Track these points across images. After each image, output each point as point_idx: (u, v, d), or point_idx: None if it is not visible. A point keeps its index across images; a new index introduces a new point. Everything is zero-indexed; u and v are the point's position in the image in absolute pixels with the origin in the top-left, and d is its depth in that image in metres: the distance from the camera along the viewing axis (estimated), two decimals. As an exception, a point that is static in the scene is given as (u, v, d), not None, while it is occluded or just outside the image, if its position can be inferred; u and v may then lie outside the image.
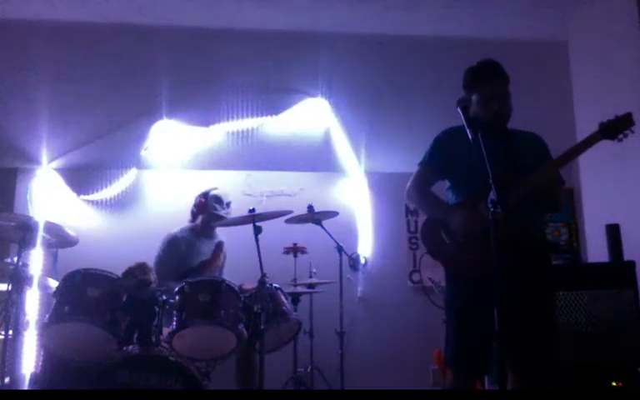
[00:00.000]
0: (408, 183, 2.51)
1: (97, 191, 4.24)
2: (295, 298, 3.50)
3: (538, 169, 2.20)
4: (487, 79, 2.33)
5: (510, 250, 1.99)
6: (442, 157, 2.43)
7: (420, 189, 2.47)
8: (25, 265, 2.90)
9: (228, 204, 3.65)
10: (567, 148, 2.21)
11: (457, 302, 2.35)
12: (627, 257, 3.23)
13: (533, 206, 2.23)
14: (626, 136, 2.20)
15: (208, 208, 3.58)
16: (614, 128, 2.19)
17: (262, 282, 2.77)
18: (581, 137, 2.23)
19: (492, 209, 1.90)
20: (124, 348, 2.62)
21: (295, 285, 3.54)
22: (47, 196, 4.17)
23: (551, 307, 2.29)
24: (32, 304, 3.67)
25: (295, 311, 3.39)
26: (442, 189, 2.51)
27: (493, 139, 2.19)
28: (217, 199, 3.61)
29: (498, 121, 2.30)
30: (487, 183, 2.04)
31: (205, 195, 3.64)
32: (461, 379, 2.29)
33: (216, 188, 3.68)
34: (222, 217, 3.52)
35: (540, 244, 2.34)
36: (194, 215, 3.66)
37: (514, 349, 2.04)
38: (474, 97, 2.34)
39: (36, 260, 3.63)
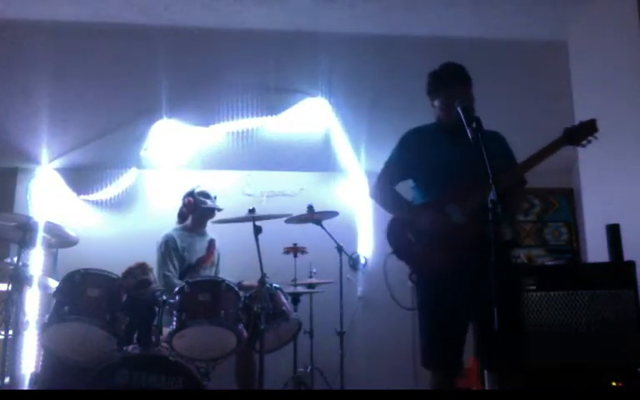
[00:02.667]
0: (373, 182, 2.51)
1: (97, 191, 4.25)
2: (295, 298, 3.50)
3: (506, 172, 2.19)
4: (448, 85, 2.33)
5: (476, 251, 2.00)
6: (408, 157, 2.43)
7: (384, 188, 2.47)
8: (25, 265, 2.90)
9: (215, 197, 3.68)
10: (532, 154, 2.23)
11: (427, 303, 2.35)
12: (627, 257, 3.23)
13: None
14: (589, 142, 2.23)
15: (198, 204, 3.61)
16: (578, 134, 2.23)
17: (262, 282, 2.77)
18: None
19: (492, 209, 1.90)
20: (124, 348, 2.62)
21: (295, 285, 3.55)
22: (47, 196, 4.17)
23: (516, 307, 2.30)
24: (32, 304, 3.66)
25: (295, 311, 3.40)
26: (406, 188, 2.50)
27: (459, 140, 2.20)
28: (204, 194, 3.66)
29: (460, 125, 2.30)
30: (454, 184, 2.05)
31: (191, 194, 3.67)
32: (438, 379, 2.29)
33: (199, 186, 3.71)
34: (213, 209, 3.55)
35: (502, 244, 2.32)
36: (184, 216, 3.69)
37: (484, 349, 2.07)
38: (436, 103, 2.35)
39: (36, 260, 3.63)
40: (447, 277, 2.22)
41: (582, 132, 2.23)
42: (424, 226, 2.28)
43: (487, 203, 2.07)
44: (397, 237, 2.39)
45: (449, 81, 2.33)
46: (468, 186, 2.19)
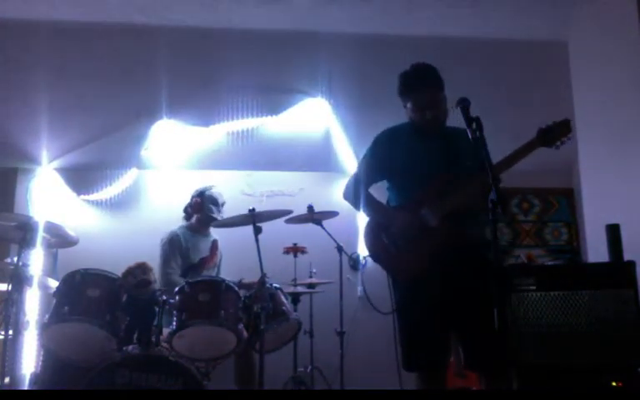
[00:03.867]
0: (346, 182, 2.49)
1: (97, 191, 4.24)
2: (295, 298, 3.50)
3: (476, 174, 2.14)
4: (418, 89, 2.30)
5: (450, 252, 2.00)
6: (382, 158, 2.40)
7: (357, 189, 2.44)
8: (25, 265, 2.90)
9: (223, 204, 3.67)
10: (507, 154, 2.20)
11: (403, 305, 2.33)
12: (627, 257, 3.23)
13: (473, 207, 2.20)
14: (563, 143, 2.18)
15: (204, 209, 3.60)
16: (552, 135, 2.19)
17: (262, 282, 2.77)
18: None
19: (492, 209, 1.90)
20: (124, 348, 2.62)
21: (295, 285, 3.55)
22: (47, 196, 4.17)
23: (490, 309, 2.29)
24: (32, 304, 3.67)
25: (295, 311, 3.40)
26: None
27: (432, 141, 2.19)
28: (213, 200, 3.63)
29: (432, 127, 2.28)
30: (429, 186, 2.04)
31: (201, 195, 3.65)
32: (422, 379, 2.28)
33: (212, 187, 3.69)
34: (215, 220, 3.54)
35: (479, 244, 2.30)
36: (189, 214, 3.68)
37: (468, 349, 2.07)
38: (408, 105, 2.34)
39: (36, 260, 3.63)
40: (421, 278, 2.21)
41: (556, 133, 2.20)
42: (398, 228, 2.26)
43: (464, 205, 2.06)
44: (372, 239, 2.37)
45: (418, 86, 2.31)
46: (441, 187, 2.18)
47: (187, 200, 3.75)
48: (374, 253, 2.37)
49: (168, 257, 3.42)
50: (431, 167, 2.17)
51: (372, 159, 2.43)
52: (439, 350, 2.27)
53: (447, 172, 2.19)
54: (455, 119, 2.20)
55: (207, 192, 3.66)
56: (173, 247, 3.46)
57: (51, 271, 3.76)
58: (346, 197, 2.53)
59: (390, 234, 2.30)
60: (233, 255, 3.75)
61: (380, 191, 2.52)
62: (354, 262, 4.22)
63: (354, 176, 2.48)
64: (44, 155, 4.25)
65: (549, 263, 4.17)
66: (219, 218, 3.55)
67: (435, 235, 2.20)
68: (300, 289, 3.53)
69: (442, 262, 2.14)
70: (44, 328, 2.62)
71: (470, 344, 2.21)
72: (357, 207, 2.50)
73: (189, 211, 3.68)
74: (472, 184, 2.13)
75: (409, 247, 2.24)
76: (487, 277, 2.19)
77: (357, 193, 2.44)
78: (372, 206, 2.42)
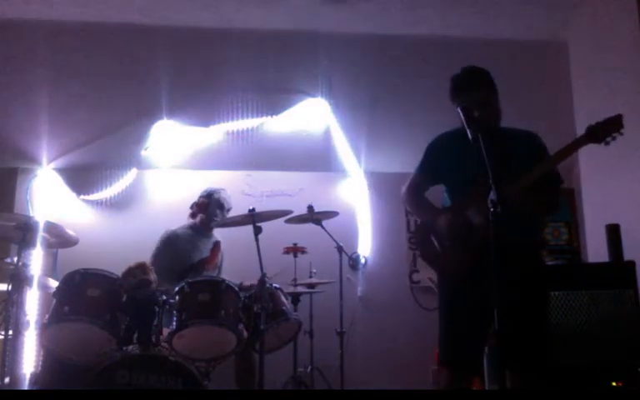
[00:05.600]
0: (403, 188, 2.53)
1: (97, 191, 4.24)
2: (295, 298, 3.50)
3: (530, 170, 2.17)
4: (467, 90, 2.30)
5: (505, 252, 1.99)
6: (436, 163, 2.45)
7: (413, 194, 2.51)
8: (25, 265, 2.89)
9: (229, 210, 3.67)
10: (556, 151, 2.20)
11: (446, 303, 2.38)
12: (627, 257, 3.23)
13: (530, 206, 2.22)
14: (614, 138, 2.15)
15: (209, 212, 3.59)
16: (602, 131, 2.13)
17: (262, 281, 2.77)
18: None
19: (492, 209, 1.90)
20: (124, 348, 2.62)
21: (295, 285, 3.54)
22: (47, 196, 4.17)
23: (543, 309, 2.30)
24: (32, 304, 3.66)
25: (295, 311, 3.39)
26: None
27: (487, 141, 2.19)
28: (220, 205, 3.63)
29: (483, 128, 2.29)
30: (477, 185, 2.04)
31: (209, 196, 3.64)
32: (454, 378, 2.30)
33: (222, 190, 3.68)
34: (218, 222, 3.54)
35: (533, 245, 2.34)
36: (195, 212, 3.67)
37: (509, 349, 2.06)
38: (459, 108, 2.34)
39: (36, 260, 3.63)
40: (465, 277, 2.22)
41: (607, 129, 2.13)
42: (445, 228, 2.31)
43: (507, 203, 2.06)
44: (422, 240, 2.44)
45: (468, 88, 2.31)
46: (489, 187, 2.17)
47: (187, 200, 3.75)
48: (424, 253, 2.43)
49: (158, 256, 3.45)
50: (481, 168, 2.17)
51: (426, 165, 2.48)
52: (478, 354, 2.32)
53: (501, 172, 2.18)
54: (456, 119, 2.19)
55: (215, 195, 3.65)
56: (166, 246, 3.47)
57: (51, 271, 3.76)
58: (404, 202, 2.60)
59: (437, 234, 2.34)
60: (233, 255, 3.75)
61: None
62: (354, 262, 4.22)
63: (410, 182, 2.53)
64: (44, 155, 4.25)
65: (549, 263, 4.17)
66: (217, 225, 3.57)
67: (480, 234, 2.21)
68: (300, 289, 3.53)
69: (486, 261, 2.14)
70: (44, 328, 2.62)
71: (511, 343, 2.20)
72: (414, 211, 2.62)
73: (195, 209, 3.68)
74: (525, 180, 2.14)
75: (455, 246, 2.28)
76: (537, 277, 2.24)
77: (413, 197, 2.51)
78: (423, 208, 2.49)
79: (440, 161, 2.44)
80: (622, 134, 2.13)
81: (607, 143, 2.15)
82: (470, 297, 2.20)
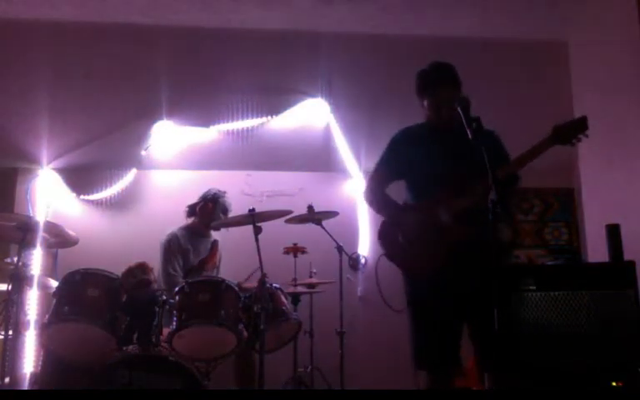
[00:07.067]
0: (365, 184, 2.50)
1: (97, 191, 4.24)
2: (295, 298, 3.50)
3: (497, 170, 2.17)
4: (435, 87, 2.31)
5: (464, 251, 1.99)
6: (398, 158, 2.41)
7: (375, 191, 2.46)
8: (25, 265, 2.91)
9: (229, 213, 3.66)
10: (520, 153, 2.19)
11: (415, 303, 2.35)
12: (627, 257, 3.23)
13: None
14: (579, 141, 2.16)
15: (214, 216, 3.58)
16: (568, 132, 2.16)
17: (262, 282, 2.77)
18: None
19: (491, 209, 1.90)
20: (124, 348, 2.62)
21: (295, 285, 3.54)
22: (47, 196, 4.17)
23: (505, 309, 2.27)
24: (32, 304, 3.67)
25: (295, 311, 3.39)
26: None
27: (448, 140, 2.19)
28: (225, 209, 3.63)
29: (449, 125, 2.28)
30: (445, 183, 2.03)
31: (214, 201, 3.62)
32: (433, 380, 2.28)
33: (224, 194, 3.67)
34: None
35: (492, 244, 2.31)
36: (194, 214, 3.66)
37: (479, 349, 2.07)
38: (425, 103, 2.34)
39: (36, 260, 3.63)
40: (434, 277, 2.21)
41: (572, 131, 2.17)
42: (412, 227, 2.27)
43: (476, 203, 2.05)
44: (388, 239, 2.38)
45: (438, 81, 2.31)
46: (457, 186, 2.18)
47: (187, 200, 3.74)
48: (389, 252, 2.38)
49: (170, 258, 3.42)
50: (446, 166, 2.16)
51: (389, 160, 2.44)
52: (453, 352, 2.27)
53: (462, 171, 2.18)
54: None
55: (221, 200, 3.64)
56: (173, 248, 3.46)
57: (51, 271, 3.76)
58: (365, 199, 2.55)
59: (405, 233, 2.30)
60: (233, 255, 3.75)
61: (398, 190, 2.52)
62: (354, 262, 4.22)
63: (371, 176, 2.48)
64: (44, 155, 4.24)
65: (549, 263, 4.17)
66: (215, 228, 3.57)
67: (448, 234, 2.20)
68: (300, 289, 3.53)
69: (455, 261, 2.14)
70: (44, 328, 2.62)
71: (482, 344, 2.20)
72: (376, 209, 2.52)
73: (195, 211, 3.66)
74: (485, 183, 2.13)
75: (423, 245, 2.25)
76: (503, 277, 2.21)
77: (375, 195, 2.46)
78: (388, 206, 2.43)
79: (404, 155, 2.40)
80: (587, 136, 2.14)
81: (573, 144, 2.18)
82: (440, 296, 2.19)
